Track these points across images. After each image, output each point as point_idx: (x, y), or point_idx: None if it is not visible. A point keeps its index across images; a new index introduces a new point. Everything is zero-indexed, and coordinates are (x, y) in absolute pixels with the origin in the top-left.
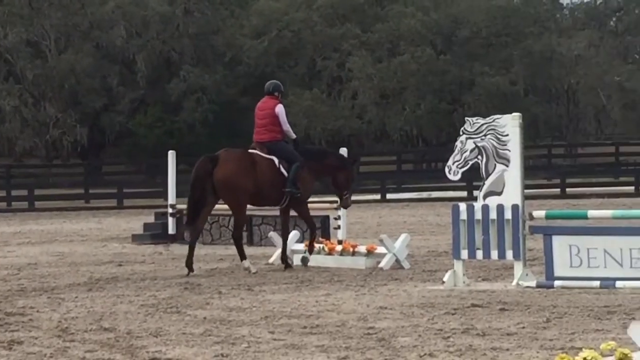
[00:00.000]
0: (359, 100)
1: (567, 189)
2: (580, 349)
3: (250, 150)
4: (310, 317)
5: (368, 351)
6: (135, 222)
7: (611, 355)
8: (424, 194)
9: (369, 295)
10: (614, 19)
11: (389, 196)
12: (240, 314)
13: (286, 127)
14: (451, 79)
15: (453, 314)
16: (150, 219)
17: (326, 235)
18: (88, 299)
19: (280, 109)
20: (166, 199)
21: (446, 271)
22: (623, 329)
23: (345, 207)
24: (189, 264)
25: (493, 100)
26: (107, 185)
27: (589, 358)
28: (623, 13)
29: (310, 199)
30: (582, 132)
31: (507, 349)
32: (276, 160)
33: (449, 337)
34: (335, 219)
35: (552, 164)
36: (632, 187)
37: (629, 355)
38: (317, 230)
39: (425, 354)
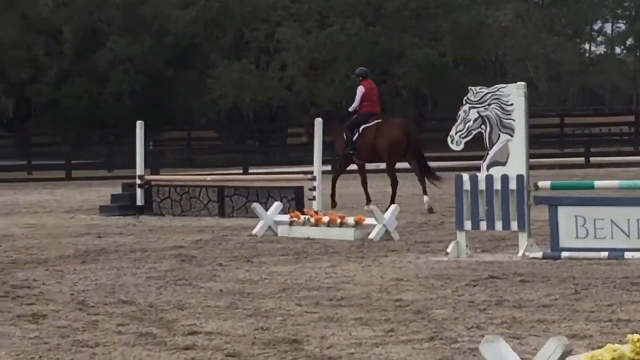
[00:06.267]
0: (287, 72)
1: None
2: (628, 320)
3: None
4: (330, 289)
5: (411, 324)
6: (89, 193)
7: None
8: (372, 165)
9: (376, 267)
10: None
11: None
12: (255, 285)
13: None
14: (380, 50)
15: (475, 286)
16: (105, 190)
17: (300, 207)
18: (88, 270)
19: None
20: (109, 170)
21: (439, 242)
22: None
23: None
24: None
25: (422, 72)
26: (38, 156)
27: None
28: None
29: (288, 170)
30: None
31: (553, 321)
32: None
33: (484, 309)
34: (310, 189)
35: None
36: (582, 159)
37: None
38: (292, 201)
39: (472, 327)
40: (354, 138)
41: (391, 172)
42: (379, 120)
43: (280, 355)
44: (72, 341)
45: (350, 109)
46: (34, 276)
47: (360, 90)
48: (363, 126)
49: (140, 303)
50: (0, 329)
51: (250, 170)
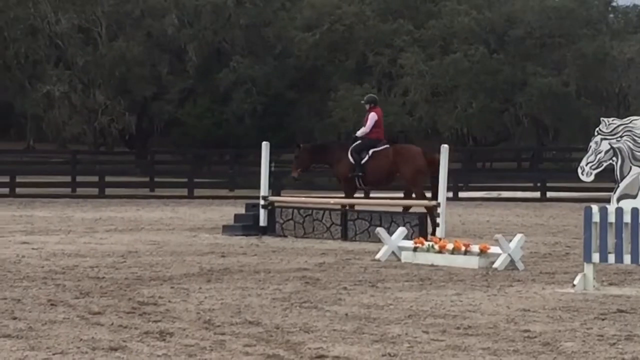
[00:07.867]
0: (409, 97)
1: None
2: None
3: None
4: (456, 318)
5: (540, 356)
6: (211, 212)
7: None
8: (494, 194)
9: (501, 296)
10: None
11: (461, 195)
12: (380, 311)
13: None
14: (503, 78)
15: (603, 320)
16: (226, 209)
17: (424, 234)
18: (213, 290)
19: None
20: (231, 190)
21: (565, 273)
22: None
23: None
24: None
25: (545, 101)
26: (159, 174)
27: None
28: None
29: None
30: None
31: None
32: None
33: (614, 343)
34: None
35: None
36: None
37: None
38: (415, 227)
39: None
40: (363, 161)
41: (422, 196)
42: (388, 146)
43: None
44: None
45: (359, 134)
46: (160, 293)
47: (373, 117)
48: (372, 150)
49: (266, 324)
50: (128, 345)
51: (371, 195)
